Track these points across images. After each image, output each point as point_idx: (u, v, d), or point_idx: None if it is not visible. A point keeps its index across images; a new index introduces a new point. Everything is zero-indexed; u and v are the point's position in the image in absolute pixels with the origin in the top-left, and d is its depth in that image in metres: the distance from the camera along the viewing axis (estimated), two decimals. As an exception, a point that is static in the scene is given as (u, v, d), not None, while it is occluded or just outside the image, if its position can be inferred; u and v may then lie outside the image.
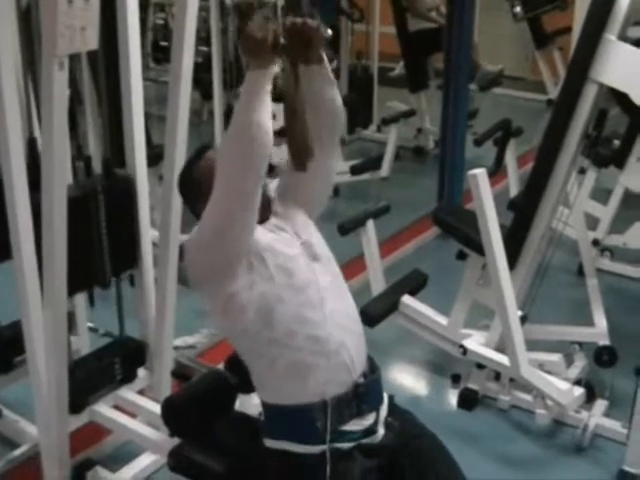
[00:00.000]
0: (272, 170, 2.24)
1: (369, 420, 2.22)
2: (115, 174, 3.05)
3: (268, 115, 2.03)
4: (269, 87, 2.04)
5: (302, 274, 2.20)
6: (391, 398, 2.36)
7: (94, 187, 2.93)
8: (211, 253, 2.13)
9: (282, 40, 2.04)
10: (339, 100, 2.32)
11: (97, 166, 3.15)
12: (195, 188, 2.33)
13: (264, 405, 2.27)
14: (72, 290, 2.82)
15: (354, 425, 2.19)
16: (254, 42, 2.01)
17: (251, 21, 2.02)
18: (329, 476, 2.11)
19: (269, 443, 2.23)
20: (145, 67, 8.41)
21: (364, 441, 2.20)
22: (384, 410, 2.28)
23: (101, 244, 2.96)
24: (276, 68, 2.06)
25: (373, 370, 2.29)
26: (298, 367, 2.15)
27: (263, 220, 2.26)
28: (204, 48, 6.78)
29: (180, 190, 2.44)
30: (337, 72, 7.48)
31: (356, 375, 2.20)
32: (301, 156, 2.17)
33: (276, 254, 2.19)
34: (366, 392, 2.22)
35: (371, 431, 2.22)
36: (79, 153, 3.69)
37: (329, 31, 2.20)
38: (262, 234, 2.21)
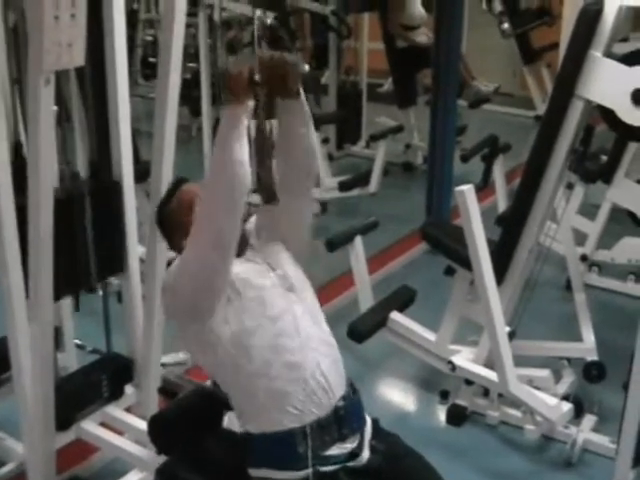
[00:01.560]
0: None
1: (352, 444, 2.22)
2: (102, 178, 3.04)
3: (245, 150, 2.05)
4: (245, 122, 2.06)
5: (277, 304, 2.22)
6: (375, 422, 2.36)
7: (80, 190, 2.92)
8: (188, 297, 2.16)
9: (257, 76, 2.06)
10: (314, 139, 2.32)
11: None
12: (172, 221, 2.37)
13: (246, 435, 2.26)
14: (58, 294, 2.81)
15: (337, 449, 2.19)
16: (230, 77, 2.05)
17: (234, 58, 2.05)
18: None
19: (254, 473, 2.23)
20: (134, 83, 8.47)
21: (349, 464, 2.20)
22: (368, 433, 2.28)
23: (87, 248, 2.94)
24: (251, 104, 2.07)
25: (353, 392, 2.30)
26: (276, 395, 2.16)
27: (240, 254, 2.27)
28: (193, 64, 6.80)
29: (157, 223, 2.46)
30: (325, 88, 7.53)
31: (335, 399, 2.21)
32: (267, 197, 2.17)
33: (251, 285, 2.21)
34: (346, 415, 2.22)
35: (355, 454, 2.21)
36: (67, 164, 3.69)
37: (306, 66, 2.22)
38: (237, 266, 2.22)
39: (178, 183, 2.45)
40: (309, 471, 2.14)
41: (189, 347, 2.34)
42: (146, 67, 8.98)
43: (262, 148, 2.13)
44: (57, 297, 2.82)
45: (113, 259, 3.07)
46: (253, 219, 2.43)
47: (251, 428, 2.23)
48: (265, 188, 2.15)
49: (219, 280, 2.14)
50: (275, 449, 2.18)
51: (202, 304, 2.17)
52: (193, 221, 2.14)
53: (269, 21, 4.61)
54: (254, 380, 2.17)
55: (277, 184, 2.22)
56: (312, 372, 2.18)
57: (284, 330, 2.19)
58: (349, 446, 2.21)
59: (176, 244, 2.38)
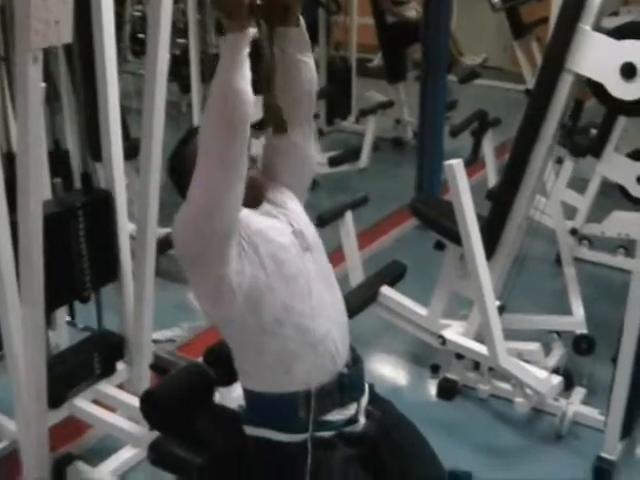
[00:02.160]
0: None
1: (351, 410, 2.23)
2: (94, 189, 3.06)
3: (247, 79, 1.99)
4: (246, 50, 2.00)
5: (292, 264, 2.18)
6: (371, 387, 2.37)
7: (73, 203, 2.93)
8: (200, 230, 2.06)
9: (258, 1, 2.00)
10: (313, 67, 2.29)
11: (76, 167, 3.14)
12: (185, 173, 2.28)
13: (246, 392, 2.27)
14: (51, 306, 2.83)
15: (336, 415, 2.20)
16: (231, 3, 1.97)
17: None
18: (310, 464, 2.12)
19: (250, 430, 2.24)
20: (123, 60, 8.42)
21: (345, 430, 2.21)
22: (365, 399, 2.30)
23: (80, 259, 2.96)
24: (253, 30, 2.02)
25: (356, 361, 2.30)
26: (284, 356, 2.15)
27: (256, 205, 2.24)
28: (182, 40, 6.75)
29: (170, 176, 2.37)
30: (316, 63, 7.47)
31: (340, 365, 2.21)
32: (275, 122, 2.14)
33: (268, 241, 2.16)
34: (349, 382, 2.23)
35: (352, 420, 2.23)
36: (57, 147, 3.68)
37: None
38: (255, 219, 2.19)
39: (189, 134, 2.38)
40: (307, 435, 2.15)
41: (201, 300, 2.25)
42: (135, 43, 8.91)
43: (267, 74, 2.10)
44: (50, 309, 2.85)
45: (106, 269, 3.09)
46: (259, 165, 2.37)
47: (254, 387, 2.24)
48: (273, 115, 2.10)
49: (228, 205, 2.04)
50: (276, 410, 2.19)
51: (214, 238, 2.07)
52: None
53: None
54: (264, 337, 2.15)
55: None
56: (322, 337, 2.17)
57: (297, 292, 2.17)
58: (348, 412, 2.22)
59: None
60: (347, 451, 2.18)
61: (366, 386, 2.34)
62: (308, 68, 2.27)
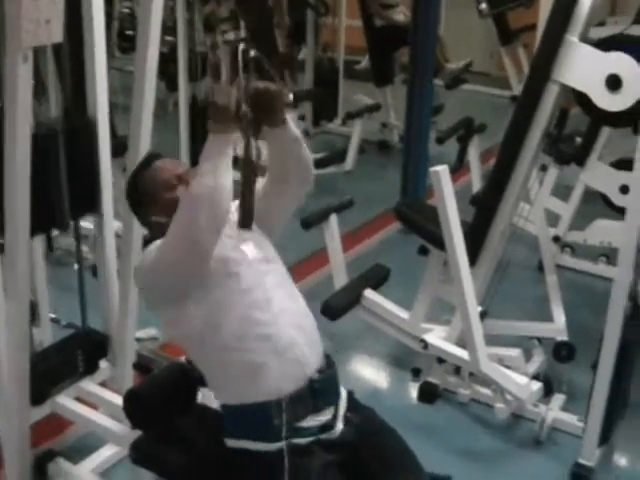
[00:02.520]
0: None
1: (326, 416, 2.24)
2: (76, 117, 3.02)
3: (229, 179, 2.08)
4: (230, 151, 2.08)
5: (248, 276, 2.23)
6: (350, 394, 2.38)
7: (54, 127, 2.89)
8: (166, 283, 2.20)
9: (244, 107, 2.06)
10: (307, 157, 2.33)
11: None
12: (142, 197, 2.38)
13: (222, 407, 2.30)
14: (31, 232, 2.76)
15: (311, 421, 2.21)
16: (217, 108, 2.06)
17: (216, 85, 2.05)
18: (288, 471, 2.14)
19: (230, 443, 2.26)
20: (111, 56, 8.38)
21: (322, 436, 2.22)
22: (343, 406, 2.31)
23: (60, 185, 2.91)
24: (237, 134, 2.09)
25: (329, 366, 2.32)
26: (250, 367, 2.18)
27: None
28: (170, 38, 6.75)
29: (127, 199, 2.46)
30: (303, 64, 7.51)
31: (310, 371, 2.23)
32: (243, 221, 2.18)
33: (223, 260, 2.22)
34: (321, 388, 2.24)
35: (329, 426, 2.24)
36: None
37: (291, 96, 2.23)
38: None
39: (151, 158, 2.45)
40: (283, 443, 2.16)
41: (164, 327, 2.36)
42: (123, 40, 8.90)
43: (247, 175, 2.13)
44: (30, 234, 2.77)
45: (86, 198, 3.04)
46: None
47: (227, 400, 2.27)
48: (244, 212, 2.15)
49: (195, 271, 2.16)
50: (250, 421, 2.21)
51: (178, 290, 2.20)
52: (171, 220, 2.14)
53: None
54: (228, 353, 2.19)
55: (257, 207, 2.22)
56: (287, 344, 2.20)
57: (256, 302, 2.21)
58: (323, 418, 2.24)
59: (144, 218, 2.41)
60: (325, 457, 2.19)
61: (343, 392, 2.35)
62: (300, 159, 2.31)
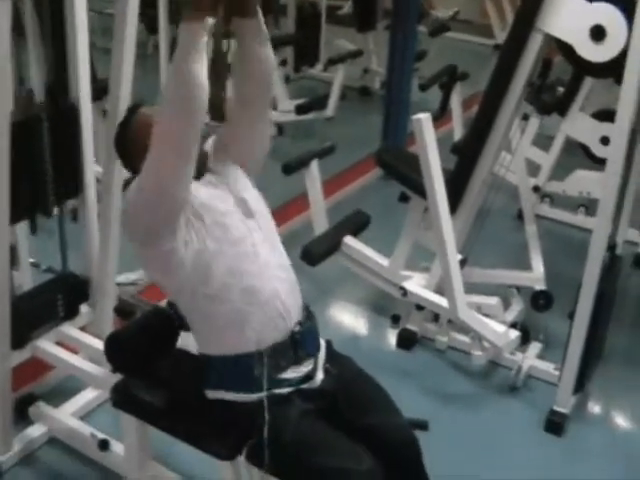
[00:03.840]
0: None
1: (307, 367, 2.27)
2: (59, 102, 2.99)
3: (203, 66, 2.03)
4: (205, 39, 2.04)
5: (237, 228, 2.24)
6: (329, 344, 2.42)
7: (37, 114, 2.87)
8: (150, 208, 2.13)
9: None
10: (271, 59, 2.32)
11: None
12: (130, 146, 2.35)
13: (203, 357, 2.31)
14: (15, 218, 2.78)
15: (291, 373, 2.24)
16: None
17: None
18: (268, 420, 2.17)
19: (210, 394, 2.29)
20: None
21: (302, 386, 2.25)
22: (322, 356, 2.34)
23: (44, 172, 2.91)
24: (210, 21, 2.06)
25: (309, 318, 2.34)
26: (234, 318, 2.20)
27: (199, 176, 2.28)
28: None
29: (116, 149, 2.44)
30: (284, 9, 7.43)
31: (292, 323, 2.25)
32: (215, 115, 2.20)
33: (212, 210, 2.22)
34: (302, 340, 2.27)
35: (309, 377, 2.27)
36: (21, 84, 3.62)
37: None
38: (198, 190, 2.24)
39: (136, 107, 2.44)
40: (264, 394, 2.19)
41: (150, 271, 2.35)
42: (102, -20, 8.76)
43: (217, 67, 2.12)
44: (14, 220, 2.80)
45: (70, 183, 3.04)
46: (211, 141, 2.43)
47: (209, 351, 2.29)
48: (214, 105, 2.14)
49: (179, 188, 2.12)
50: (232, 371, 2.23)
51: (163, 219, 2.15)
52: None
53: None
54: (213, 303, 2.20)
55: (230, 102, 2.27)
56: (270, 297, 2.22)
57: (244, 254, 2.22)
58: (304, 369, 2.27)
59: (134, 167, 2.38)
60: (304, 406, 2.22)
61: (322, 343, 2.38)
62: (265, 60, 2.30)
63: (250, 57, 2.27)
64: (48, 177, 2.93)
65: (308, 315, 2.35)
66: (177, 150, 2.07)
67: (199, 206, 2.21)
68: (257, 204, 2.36)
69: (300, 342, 2.26)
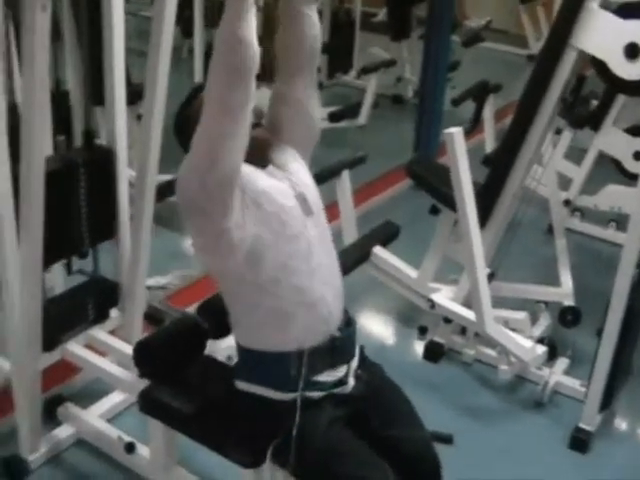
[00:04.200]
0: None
1: (341, 372, 2.28)
2: (95, 146, 3.05)
3: (252, 28, 2.00)
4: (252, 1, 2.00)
5: (294, 226, 2.20)
6: (362, 349, 2.41)
7: (74, 160, 2.92)
8: (202, 178, 2.06)
9: None
10: (316, 22, 2.32)
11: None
12: (189, 133, 2.29)
13: (240, 348, 2.31)
14: (49, 261, 2.85)
15: (326, 376, 2.24)
16: None
17: None
18: (297, 423, 2.17)
19: (241, 385, 2.29)
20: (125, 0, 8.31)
21: (334, 391, 2.26)
22: (355, 362, 2.34)
23: (80, 216, 2.96)
24: None
25: (349, 324, 2.34)
26: (279, 314, 2.19)
27: (262, 165, 2.26)
28: (186, -17, 6.70)
29: (177, 135, 2.37)
30: (319, 15, 7.40)
31: (333, 328, 2.25)
32: (263, 70, 2.12)
33: (272, 201, 2.18)
34: (341, 345, 2.27)
35: (342, 382, 2.28)
36: (57, 87, 3.65)
37: None
38: (260, 178, 2.21)
39: (195, 92, 2.38)
40: (297, 394, 2.19)
41: (200, 251, 2.26)
42: (139, -16, 8.83)
43: (267, 20, 2.11)
44: (47, 264, 2.87)
45: (105, 225, 3.10)
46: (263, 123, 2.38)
47: (248, 343, 2.28)
48: (262, 63, 2.13)
49: (230, 156, 2.05)
50: (269, 368, 2.24)
51: (216, 187, 2.07)
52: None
53: None
54: (260, 295, 2.19)
55: (277, 64, 2.26)
56: (317, 300, 2.21)
57: (298, 253, 2.20)
58: (338, 374, 2.27)
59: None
60: (334, 412, 2.23)
61: (357, 348, 2.38)
62: (311, 23, 2.30)
63: (295, 18, 2.27)
64: (83, 221, 2.98)
65: (348, 321, 2.34)
66: (228, 113, 2.02)
67: (260, 193, 2.17)
68: (315, 202, 2.33)
69: (339, 347, 2.26)
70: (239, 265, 2.16)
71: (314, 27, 2.31)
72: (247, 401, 2.29)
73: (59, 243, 2.90)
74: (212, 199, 2.08)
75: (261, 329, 2.24)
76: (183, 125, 2.32)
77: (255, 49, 2.00)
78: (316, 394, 2.22)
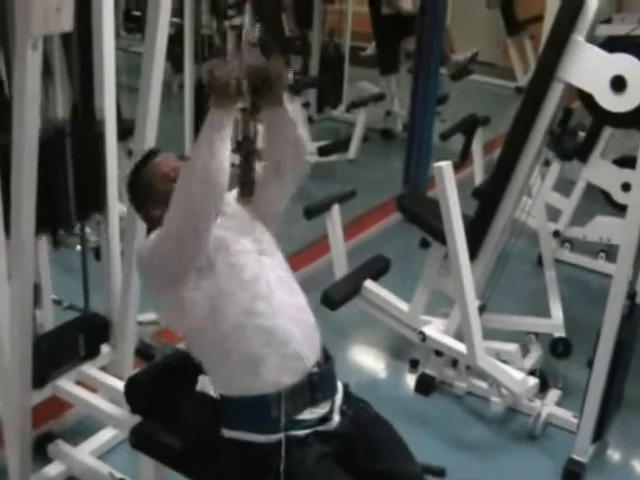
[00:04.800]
0: None
1: (324, 408, 2.27)
2: (83, 116, 3.01)
3: (227, 156, 2.10)
4: (230, 127, 2.12)
5: (251, 268, 2.26)
6: (346, 386, 2.41)
7: (61, 129, 2.90)
8: (167, 263, 2.20)
9: (244, 83, 2.11)
10: (301, 140, 2.37)
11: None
12: (143, 192, 2.41)
13: (221, 398, 2.32)
14: (37, 230, 2.76)
15: (309, 414, 2.24)
16: (217, 83, 2.09)
17: (218, 61, 2.09)
18: (284, 462, 2.16)
19: (227, 433, 2.28)
20: (116, 36, 8.35)
21: (319, 428, 2.25)
22: (339, 398, 2.34)
23: (67, 186, 2.93)
24: (237, 110, 2.15)
25: (327, 360, 2.34)
26: (249, 359, 2.20)
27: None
28: (176, 20, 6.73)
29: (128, 193, 2.49)
30: (308, 49, 7.50)
31: (309, 365, 2.25)
32: (243, 192, 2.24)
33: (226, 248, 2.25)
34: (320, 381, 2.27)
35: (326, 419, 2.27)
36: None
37: (290, 75, 2.27)
38: (214, 229, 2.25)
39: (150, 154, 2.49)
40: (281, 435, 2.18)
41: (165, 315, 2.38)
42: (129, 20, 8.88)
43: (246, 151, 2.18)
44: (35, 233, 2.77)
45: (92, 199, 3.06)
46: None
47: (225, 391, 2.29)
48: (243, 184, 2.19)
49: (194, 249, 2.18)
50: (249, 412, 2.23)
51: (180, 272, 2.21)
52: (168, 204, 2.17)
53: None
54: (227, 343, 2.21)
55: (258, 182, 2.30)
56: (286, 338, 2.22)
57: (258, 294, 2.23)
58: (321, 411, 2.26)
59: (146, 212, 2.43)
60: (320, 449, 2.21)
61: (340, 385, 2.38)
62: (295, 141, 2.36)
63: (278, 138, 2.33)
64: (70, 191, 2.95)
65: (326, 357, 2.35)
66: (194, 231, 2.14)
67: (213, 243, 2.23)
68: (269, 243, 2.38)
69: (317, 384, 2.26)
70: (203, 319, 2.23)
71: (300, 142, 2.37)
72: (235, 447, 2.27)
73: (45, 213, 2.80)
74: (175, 276, 2.23)
75: (235, 376, 2.25)
76: (134, 188, 2.47)
77: (227, 176, 2.10)
78: (301, 432, 2.21)
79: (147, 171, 2.42)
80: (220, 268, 2.22)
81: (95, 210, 3.12)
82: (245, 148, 2.18)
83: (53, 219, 2.97)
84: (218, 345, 2.24)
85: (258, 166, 2.29)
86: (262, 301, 2.23)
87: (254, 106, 2.20)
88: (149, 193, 2.38)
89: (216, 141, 2.09)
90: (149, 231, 2.47)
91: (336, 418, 2.30)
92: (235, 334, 2.20)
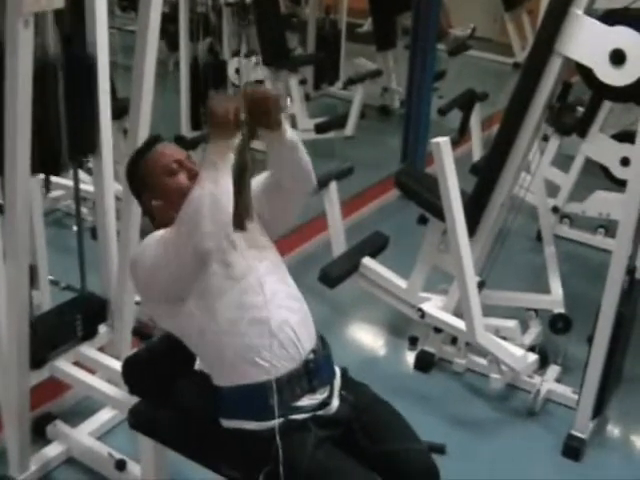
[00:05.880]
0: None
1: (322, 394, 2.27)
2: (74, 52, 2.92)
3: (230, 184, 2.09)
4: (231, 157, 2.11)
5: (240, 263, 2.25)
6: (344, 371, 2.41)
7: (52, 62, 2.81)
8: (166, 279, 2.19)
9: (242, 115, 2.12)
10: (305, 163, 2.34)
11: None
12: (142, 181, 2.37)
13: (218, 389, 2.30)
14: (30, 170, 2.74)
15: (307, 400, 2.24)
16: (216, 117, 2.09)
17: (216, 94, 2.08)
18: (283, 447, 2.15)
19: (225, 423, 2.28)
20: (111, 14, 8.30)
21: (318, 413, 2.24)
22: (337, 383, 2.34)
23: (58, 124, 2.85)
24: (237, 140, 2.13)
25: (323, 346, 2.34)
26: (246, 350, 2.20)
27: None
28: (171, -3, 6.70)
29: (127, 182, 2.45)
30: (304, 27, 7.46)
31: (305, 352, 2.25)
32: (238, 220, 2.20)
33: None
34: (316, 368, 2.26)
35: (325, 404, 2.27)
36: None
37: (288, 101, 2.27)
38: None
39: (152, 141, 2.44)
40: (279, 421, 2.18)
41: (160, 320, 2.37)
42: (123, -2, 8.83)
43: (240, 180, 2.16)
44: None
45: (85, 138, 3.00)
46: None
47: (223, 383, 2.28)
48: (238, 212, 2.17)
49: (198, 271, 2.18)
50: (246, 401, 2.22)
51: (178, 288, 2.21)
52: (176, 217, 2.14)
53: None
54: (221, 339, 2.21)
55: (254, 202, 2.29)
56: (280, 326, 2.21)
57: (249, 287, 2.23)
58: (319, 397, 2.26)
59: (144, 202, 2.40)
60: (320, 432, 2.21)
61: (337, 370, 2.38)
62: (295, 165, 2.33)
63: (279, 161, 2.32)
64: (62, 129, 2.87)
65: (322, 343, 2.35)
66: (197, 253, 2.11)
67: None
68: (258, 234, 2.37)
69: (314, 371, 2.26)
70: (196, 320, 2.23)
71: (302, 164, 2.34)
72: (233, 436, 2.27)
73: (38, 152, 2.69)
74: (178, 290, 2.22)
75: (233, 367, 2.24)
76: (133, 176, 2.42)
77: (230, 204, 2.10)
78: (300, 417, 2.21)
79: (149, 160, 2.36)
80: (210, 266, 2.20)
81: (88, 150, 3.05)
82: (241, 174, 2.16)
83: (46, 158, 2.87)
84: (212, 343, 2.24)
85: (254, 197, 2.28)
86: (253, 293, 2.22)
87: (252, 132, 2.19)
88: (150, 184, 2.34)
89: (220, 172, 2.08)
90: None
91: (335, 403, 2.29)
92: (228, 329, 2.20)
